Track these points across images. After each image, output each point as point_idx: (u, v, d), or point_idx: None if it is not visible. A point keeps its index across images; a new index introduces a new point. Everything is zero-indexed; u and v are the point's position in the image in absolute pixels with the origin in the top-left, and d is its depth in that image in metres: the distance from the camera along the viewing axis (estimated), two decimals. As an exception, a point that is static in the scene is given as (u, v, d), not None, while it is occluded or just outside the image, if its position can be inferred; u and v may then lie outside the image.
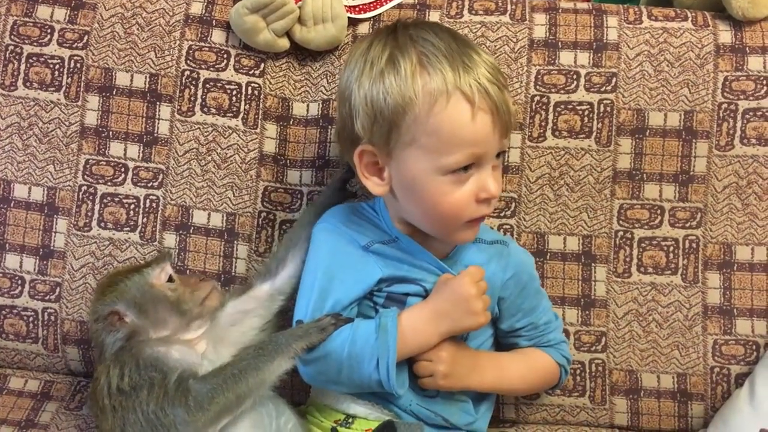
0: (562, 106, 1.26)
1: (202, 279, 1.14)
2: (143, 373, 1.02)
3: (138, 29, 1.30)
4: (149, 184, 1.29)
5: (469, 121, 1.01)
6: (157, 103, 1.29)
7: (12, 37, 1.31)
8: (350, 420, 1.10)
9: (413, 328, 1.06)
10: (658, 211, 1.26)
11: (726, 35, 1.26)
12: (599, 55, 1.27)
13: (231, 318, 1.15)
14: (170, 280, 1.11)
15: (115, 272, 1.14)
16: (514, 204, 1.26)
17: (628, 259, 1.25)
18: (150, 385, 1.01)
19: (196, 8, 1.31)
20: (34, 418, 1.25)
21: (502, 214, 1.26)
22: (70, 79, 1.30)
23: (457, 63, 1.02)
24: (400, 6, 1.31)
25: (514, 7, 1.30)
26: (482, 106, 1.02)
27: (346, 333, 1.05)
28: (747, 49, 1.26)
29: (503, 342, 1.19)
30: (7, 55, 1.31)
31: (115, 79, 1.30)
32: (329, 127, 1.28)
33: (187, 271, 1.28)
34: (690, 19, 1.28)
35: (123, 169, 1.29)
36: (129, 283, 1.09)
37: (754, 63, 1.25)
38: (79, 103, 1.30)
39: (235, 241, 1.28)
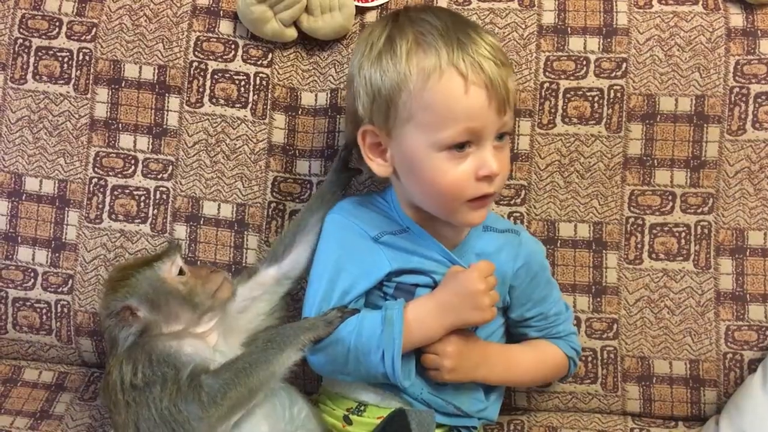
0: (572, 93, 1.25)
1: (213, 270, 1.13)
2: (156, 369, 1.02)
3: (146, 21, 1.30)
4: (159, 176, 1.29)
5: (463, 95, 1.02)
6: (166, 94, 1.29)
7: (21, 30, 1.31)
8: (362, 408, 1.10)
9: (418, 320, 1.06)
10: (670, 197, 1.25)
11: (737, 18, 1.25)
12: (609, 40, 1.26)
13: (239, 306, 1.15)
14: (181, 272, 1.11)
15: (125, 266, 1.14)
16: (524, 192, 1.26)
17: (639, 246, 1.25)
18: (163, 381, 1.01)
19: (204, -1, 1.31)
20: (49, 409, 1.26)
21: (512, 202, 1.26)
22: (79, 71, 1.30)
23: (452, 40, 1.03)
24: (407, -7, 1.30)
25: (522, -7, 1.29)
26: (475, 80, 1.02)
27: (352, 324, 1.06)
28: (759, 32, 1.24)
29: (513, 332, 1.19)
30: (16, 49, 1.31)
31: (123, 71, 1.30)
32: (338, 116, 1.28)
33: (198, 262, 1.28)
34: (701, 2, 1.26)
35: (133, 161, 1.30)
36: (140, 278, 1.08)
37: (766, 46, 1.24)
38: (89, 95, 1.30)
39: (245, 232, 1.28)
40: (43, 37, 1.31)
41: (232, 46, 1.30)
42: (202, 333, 1.10)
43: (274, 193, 1.29)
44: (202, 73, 1.29)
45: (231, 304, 1.14)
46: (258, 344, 1.06)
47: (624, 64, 1.25)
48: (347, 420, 1.10)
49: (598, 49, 1.26)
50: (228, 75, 1.29)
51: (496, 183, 1.07)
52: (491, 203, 1.12)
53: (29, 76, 1.31)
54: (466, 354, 1.09)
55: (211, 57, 1.30)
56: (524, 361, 1.15)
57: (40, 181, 1.31)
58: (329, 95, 1.29)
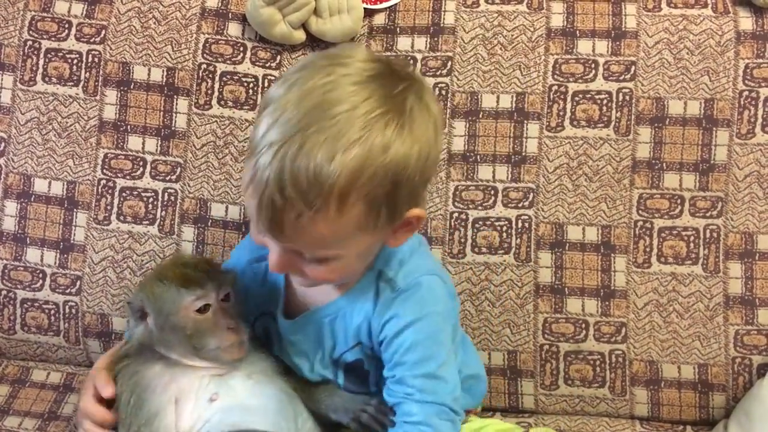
0: (581, 96, 1.25)
1: (233, 327, 1.04)
2: (127, 395, 1.04)
3: (155, 23, 1.31)
4: (167, 178, 1.30)
5: (245, 190, 0.91)
6: (175, 96, 1.30)
7: (30, 32, 1.32)
8: None
9: None
10: (678, 201, 1.24)
11: (747, 22, 1.25)
12: (618, 43, 1.26)
13: None
14: (203, 310, 1.03)
15: (180, 263, 1.07)
16: (532, 194, 1.26)
17: (648, 250, 1.24)
18: (125, 415, 1.03)
19: (212, 1, 1.31)
20: (57, 410, 1.27)
21: (520, 205, 1.26)
22: (88, 73, 1.31)
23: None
24: (416, -4, 1.30)
25: (531, -5, 1.29)
26: (252, 185, 0.88)
27: None
28: (768, 35, 1.24)
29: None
30: (26, 51, 1.32)
31: (132, 73, 1.30)
32: (346, 118, 1.28)
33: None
34: (710, 5, 1.26)
35: (141, 163, 1.30)
36: (165, 292, 1.03)
37: (776, 49, 1.24)
38: (98, 97, 1.31)
39: (253, 234, 1.29)
40: (53, 39, 1.32)
41: (241, 49, 1.30)
42: (198, 368, 1.05)
43: (282, 196, 1.29)
44: (210, 75, 1.29)
45: (240, 371, 1.06)
46: None
47: (633, 67, 1.25)
48: None
49: (607, 52, 1.25)
50: (236, 77, 1.29)
51: (307, 282, 1.00)
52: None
53: (39, 77, 1.31)
54: None
55: (219, 59, 1.30)
56: None
57: (49, 183, 1.31)
58: (337, 98, 1.29)
